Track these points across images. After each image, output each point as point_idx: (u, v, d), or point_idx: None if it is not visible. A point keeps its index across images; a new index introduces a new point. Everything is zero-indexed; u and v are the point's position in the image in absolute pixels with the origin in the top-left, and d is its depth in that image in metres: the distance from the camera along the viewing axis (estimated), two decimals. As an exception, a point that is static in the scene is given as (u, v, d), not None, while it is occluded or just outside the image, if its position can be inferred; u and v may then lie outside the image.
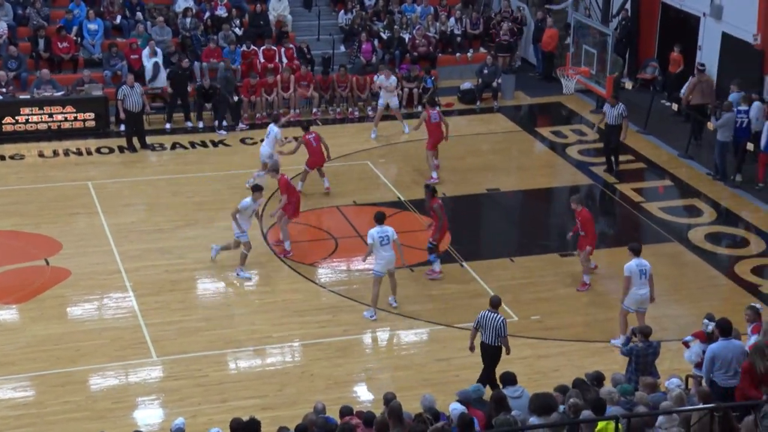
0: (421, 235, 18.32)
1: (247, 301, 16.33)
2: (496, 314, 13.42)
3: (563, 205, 20.52)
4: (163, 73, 23.25)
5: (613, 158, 21.17)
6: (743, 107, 20.39)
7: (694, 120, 22.13)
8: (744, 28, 21.81)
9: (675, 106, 22.92)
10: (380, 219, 15.83)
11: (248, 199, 16.91)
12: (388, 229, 15.71)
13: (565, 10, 26.49)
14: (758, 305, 13.20)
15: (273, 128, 20.15)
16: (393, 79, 22.87)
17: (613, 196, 20.19)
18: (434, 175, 20.28)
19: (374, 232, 15.62)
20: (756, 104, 20.48)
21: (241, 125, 23.14)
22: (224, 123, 23.01)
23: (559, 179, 21.17)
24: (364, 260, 16.56)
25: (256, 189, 17.13)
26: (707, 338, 12.56)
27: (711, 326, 12.59)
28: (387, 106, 22.78)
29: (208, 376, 14.31)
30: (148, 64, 23.62)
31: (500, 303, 13.62)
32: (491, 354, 13.49)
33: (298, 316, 15.83)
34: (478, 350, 13.68)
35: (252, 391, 13.97)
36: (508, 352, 13.55)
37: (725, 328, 11.97)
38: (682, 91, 22.73)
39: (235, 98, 23.12)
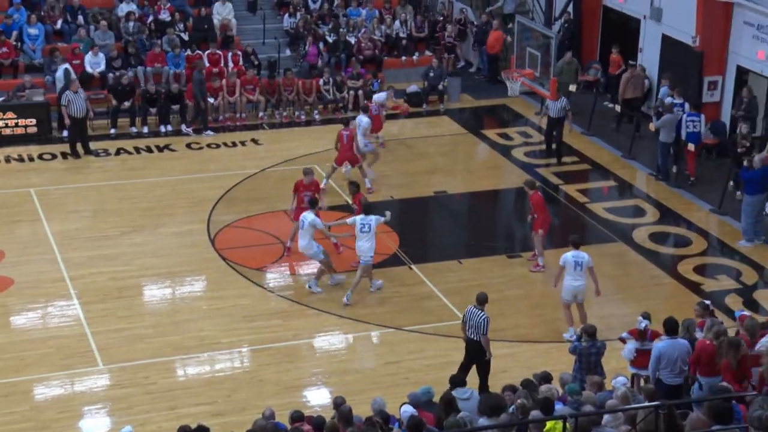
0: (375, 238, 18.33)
1: (195, 307, 16.21)
2: (479, 311, 13.55)
3: (510, 207, 20.73)
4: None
5: (554, 147, 21.71)
6: (678, 100, 20.98)
7: (628, 115, 22.76)
8: (683, 30, 22.19)
9: (618, 108, 23.25)
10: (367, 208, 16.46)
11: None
12: (372, 218, 16.28)
13: (503, 10, 26.69)
14: (707, 302, 13.40)
15: (362, 119, 20.47)
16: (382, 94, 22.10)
17: (558, 197, 20.40)
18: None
19: (358, 218, 16.25)
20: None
21: (208, 131, 22.96)
22: (188, 121, 23.04)
23: (506, 181, 21.34)
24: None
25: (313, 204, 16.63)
26: (640, 336, 12.80)
27: (644, 324, 12.83)
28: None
29: (156, 383, 14.19)
30: (59, 72, 22.87)
31: (486, 300, 13.68)
32: (475, 349, 13.56)
33: (247, 322, 15.75)
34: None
35: (201, 398, 13.88)
36: (486, 353, 13.55)
37: (671, 327, 12.18)
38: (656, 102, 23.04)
39: (206, 102, 23.06)
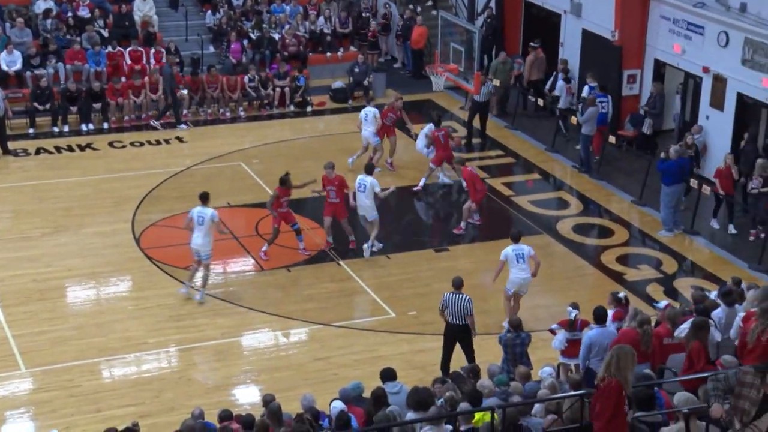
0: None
1: (121, 308, 15.99)
2: (459, 295, 13.77)
3: (438, 202, 20.85)
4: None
5: (475, 137, 22.32)
6: (593, 83, 21.69)
7: (526, 94, 23.60)
8: (603, 24, 22.58)
9: (541, 102, 23.57)
10: (369, 170, 17.72)
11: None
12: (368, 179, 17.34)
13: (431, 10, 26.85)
14: (621, 293, 13.65)
15: (370, 110, 20.72)
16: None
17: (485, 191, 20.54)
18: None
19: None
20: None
21: (182, 125, 22.80)
22: (183, 117, 23.00)
23: (432, 176, 21.40)
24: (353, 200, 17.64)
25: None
26: (570, 326, 13.00)
27: (574, 314, 13.04)
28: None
29: (80, 386, 13.96)
30: (6, 66, 22.77)
31: (462, 283, 13.96)
32: (458, 334, 13.78)
33: (174, 321, 15.59)
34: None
35: (128, 399, 13.71)
36: (473, 333, 13.83)
37: (600, 316, 12.39)
38: (548, 86, 23.44)
39: (184, 91, 23.08)
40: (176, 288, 16.39)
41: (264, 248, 17.37)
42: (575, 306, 13.22)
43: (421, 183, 20.38)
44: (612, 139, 21.29)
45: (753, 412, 8.21)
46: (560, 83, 22.91)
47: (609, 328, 12.43)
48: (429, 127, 20.67)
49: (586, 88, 22.12)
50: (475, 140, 22.77)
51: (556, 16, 24.40)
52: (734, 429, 8.28)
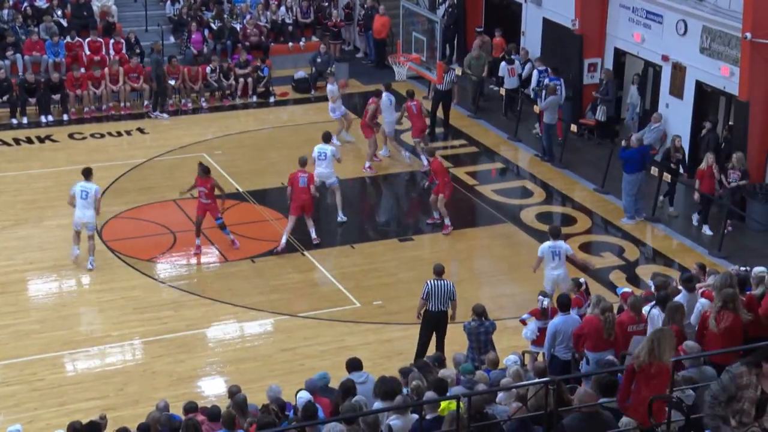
0: (261, 225, 18.28)
1: (84, 301, 15.87)
2: (443, 281, 13.81)
3: (401, 191, 20.89)
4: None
5: (437, 126, 22.54)
6: (541, 67, 22.24)
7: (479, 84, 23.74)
8: (563, 14, 22.70)
9: (502, 91, 23.65)
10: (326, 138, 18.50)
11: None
12: (329, 148, 18.20)
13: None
14: (581, 279, 13.75)
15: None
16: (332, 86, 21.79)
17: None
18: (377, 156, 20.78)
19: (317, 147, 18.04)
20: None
21: (161, 114, 22.83)
22: (166, 105, 23.04)
23: (396, 166, 21.47)
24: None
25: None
26: (542, 314, 13.07)
27: (546, 302, 13.11)
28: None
29: (44, 379, 13.85)
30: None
31: (444, 270, 14.02)
32: (437, 320, 13.84)
33: (138, 313, 15.50)
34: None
35: (92, 393, 13.62)
36: (454, 317, 13.91)
37: (564, 304, 12.50)
38: (533, 87, 23.46)
39: (171, 82, 23.10)
40: (136, 280, 16.29)
41: (197, 242, 17.25)
42: (545, 294, 13.29)
43: (407, 157, 20.92)
44: (573, 127, 21.44)
45: (753, 411, 8.17)
46: (503, 64, 23.40)
47: (573, 316, 12.55)
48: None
49: (535, 72, 22.50)
50: (438, 129, 22.82)
51: (516, 5, 24.50)
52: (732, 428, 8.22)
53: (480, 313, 13.16)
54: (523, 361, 12.52)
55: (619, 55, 22.12)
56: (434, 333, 14.03)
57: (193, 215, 18.42)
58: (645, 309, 11.90)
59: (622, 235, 18.53)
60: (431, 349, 13.86)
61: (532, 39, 23.90)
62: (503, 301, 16.02)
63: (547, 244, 15.25)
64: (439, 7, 25.89)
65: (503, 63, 23.53)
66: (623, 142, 19.08)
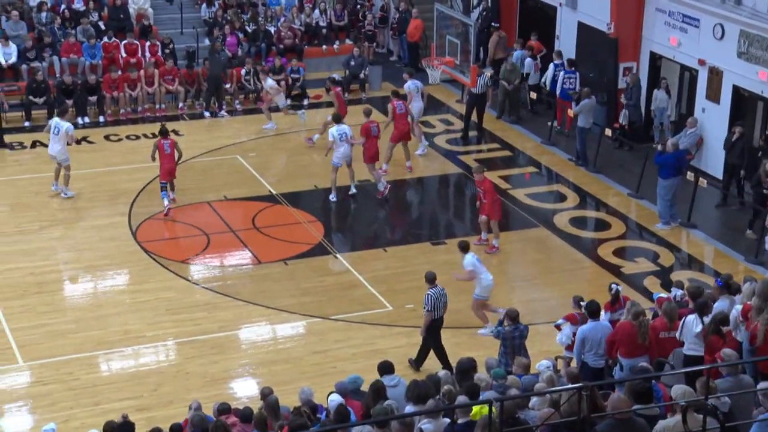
0: (294, 228, 18.34)
1: (118, 301, 15.99)
2: (439, 287, 13.99)
3: (433, 195, 20.87)
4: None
5: (469, 130, 22.53)
6: (570, 70, 22.53)
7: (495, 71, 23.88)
8: (598, 17, 22.58)
9: (534, 95, 23.61)
10: (338, 119, 19.20)
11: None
12: (346, 128, 18.90)
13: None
14: (619, 286, 13.65)
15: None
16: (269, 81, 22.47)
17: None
18: (385, 166, 20.50)
19: (333, 130, 18.69)
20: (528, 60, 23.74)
21: (223, 112, 23.31)
22: (223, 105, 23.44)
23: (428, 169, 21.46)
24: (326, 155, 19.44)
25: None
26: (579, 320, 12.96)
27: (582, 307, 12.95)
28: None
29: (79, 379, 13.97)
30: (2, 59, 22.82)
31: (435, 276, 14.13)
32: (439, 327, 14.03)
33: (172, 315, 15.60)
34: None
35: (126, 393, 13.72)
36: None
37: (593, 310, 12.41)
38: (544, 78, 23.46)
39: (227, 85, 23.56)
40: (170, 281, 16.39)
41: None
42: (582, 299, 13.18)
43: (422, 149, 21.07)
44: (608, 131, 21.33)
45: None
46: (528, 60, 23.70)
47: (603, 322, 12.45)
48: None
49: (551, 66, 22.84)
50: (472, 133, 22.78)
51: (551, 9, 24.40)
52: None
53: (514, 317, 13.09)
54: (556, 367, 12.45)
55: (655, 59, 21.96)
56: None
57: (228, 217, 18.60)
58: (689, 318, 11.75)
59: (657, 240, 18.38)
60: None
61: (566, 42, 23.79)
62: (536, 306, 15.95)
63: (470, 255, 15.19)
64: (473, 11, 25.85)
65: (528, 59, 23.77)
66: (659, 147, 18.94)
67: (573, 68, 22.52)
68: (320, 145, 21.53)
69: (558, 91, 22.65)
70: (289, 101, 23.23)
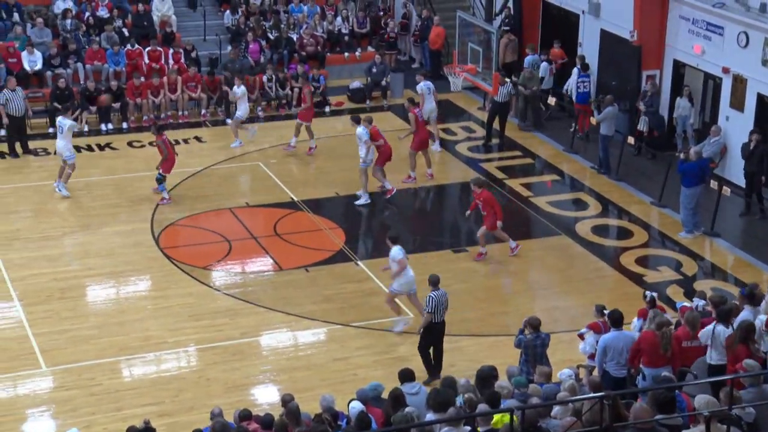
0: (315, 235, 18.37)
1: (140, 307, 16.05)
2: (441, 290, 14.05)
3: (455, 202, 20.86)
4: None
5: (492, 137, 22.50)
6: (584, 74, 22.68)
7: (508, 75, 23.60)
8: (621, 25, 22.51)
9: (552, 101, 23.58)
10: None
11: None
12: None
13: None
14: (653, 292, 13.54)
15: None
16: (241, 88, 22.21)
17: (503, 191, 20.56)
18: (412, 174, 20.57)
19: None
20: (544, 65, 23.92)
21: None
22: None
23: (450, 176, 21.46)
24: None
25: None
26: (602, 329, 12.89)
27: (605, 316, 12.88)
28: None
29: (101, 384, 14.03)
30: (28, 66, 23.07)
31: (439, 280, 14.21)
32: (440, 331, 14.10)
33: (194, 321, 15.65)
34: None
35: (147, 398, 13.76)
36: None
37: (616, 319, 12.34)
38: (567, 86, 23.43)
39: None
40: (192, 287, 16.45)
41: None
42: (604, 308, 13.10)
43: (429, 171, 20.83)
44: (630, 139, 21.25)
45: None
46: (543, 65, 23.80)
47: (625, 332, 12.37)
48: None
49: (574, 73, 22.83)
50: (494, 140, 22.75)
51: (574, 16, 24.35)
52: None
53: (536, 325, 13.04)
54: (578, 376, 12.39)
55: (679, 67, 21.86)
56: (434, 345, 14.12)
57: (249, 224, 18.68)
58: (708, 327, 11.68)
59: (680, 249, 18.28)
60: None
61: (589, 50, 23.72)
62: (557, 314, 15.89)
63: (400, 247, 15.32)
64: (495, 18, 25.84)
65: (544, 63, 23.84)
66: (681, 155, 18.84)
67: (587, 72, 22.60)
68: (345, 152, 21.55)
69: (574, 95, 22.82)
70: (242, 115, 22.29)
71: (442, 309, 14.09)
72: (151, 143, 22.24)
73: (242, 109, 22.17)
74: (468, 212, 18.00)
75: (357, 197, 19.56)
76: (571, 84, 23.11)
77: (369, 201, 19.52)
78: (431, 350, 14.24)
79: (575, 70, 23.02)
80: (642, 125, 21.74)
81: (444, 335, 14.27)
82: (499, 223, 17.44)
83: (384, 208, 19.83)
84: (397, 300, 15.56)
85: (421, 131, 20.65)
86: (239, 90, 22.12)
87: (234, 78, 22.88)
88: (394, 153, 20.02)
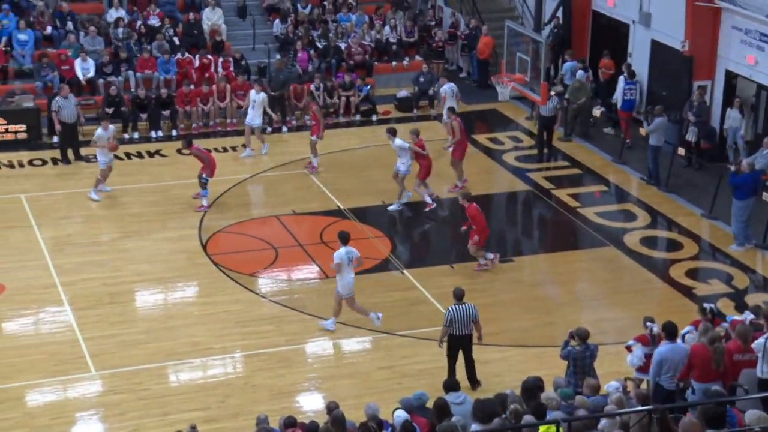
0: (362, 243, 18.37)
1: (188, 313, 16.19)
2: (464, 305, 13.81)
3: (501, 211, 20.77)
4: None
5: (545, 148, 22.30)
6: (630, 81, 22.66)
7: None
8: (672, 35, 22.29)
9: (598, 112, 23.40)
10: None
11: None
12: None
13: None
14: (712, 304, 13.35)
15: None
16: (261, 95, 22.14)
17: (550, 202, 20.45)
18: (458, 183, 20.59)
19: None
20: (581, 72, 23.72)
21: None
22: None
23: (497, 186, 21.39)
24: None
25: None
26: (651, 341, 12.75)
27: (656, 328, 12.75)
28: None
29: (149, 389, 14.16)
30: (81, 74, 23.46)
31: (464, 293, 14.03)
32: (463, 344, 13.90)
33: (240, 327, 15.74)
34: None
35: (194, 404, 13.85)
36: (480, 338, 13.95)
37: (671, 331, 12.18)
38: (615, 96, 23.26)
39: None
40: (238, 294, 16.56)
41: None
42: (653, 320, 12.96)
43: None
44: (681, 150, 21.02)
45: None
46: (580, 72, 23.76)
47: (681, 344, 12.21)
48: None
49: (621, 79, 22.78)
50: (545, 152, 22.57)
51: (624, 26, 24.16)
52: None
53: (585, 337, 12.91)
54: (625, 388, 12.25)
55: (731, 78, 21.58)
56: (460, 355, 13.98)
57: (296, 231, 18.76)
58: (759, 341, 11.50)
59: (731, 262, 18.01)
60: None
61: (639, 60, 23.53)
62: (604, 326, 15.73)
63: (343, 249, 15.21)
64: (545, 28, 25.72)
65: (581, 71, 23.77)
66: (733, 168, 18.59)
67: (633, 79, 22.49)
68: (392, 161, 21.59)
69: (620, 103, 22.71)
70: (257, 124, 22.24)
71: (464, 323, 13.79)
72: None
73: (259, 116, 22.05)
74: (462, 228, 17.48)
75: (396, 203, 19.54)
76: (618, 94, 22.92)
77: (401, 208, 19.52)
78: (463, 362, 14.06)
79: (621, 78, 22.85)
80: (691, 136, 21.49)
81: (470, 348, 14.00)
82: (476, 237, 17.13)
83: (429, 217, 19.77)
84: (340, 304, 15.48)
85: (465, 140, 20.62)
86: (258, 96, 22.06)
87: (285, 85, 23.17)
88: (435, 162, 19.98)
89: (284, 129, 23.65)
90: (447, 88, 22.59)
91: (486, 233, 17.39)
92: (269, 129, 23.27)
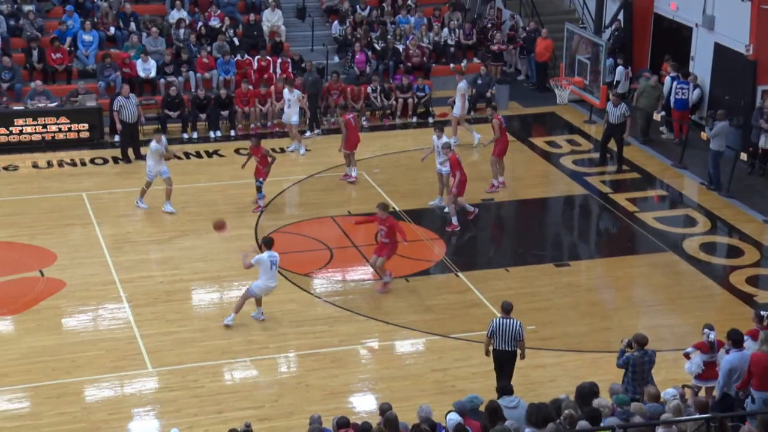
0: (417, 245, 18.36)
1: (243, 312, 16.25)
2: (510, 319, 13.43)
3: (558, 215, 20.60)
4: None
5: (608, 154, 21.98)
6: (683, 81, 22.58)
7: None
8: (736, 38, 21.91)
9: (658, 116, 23.06)
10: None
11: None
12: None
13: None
14: (764, 312, 13.11)
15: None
16: (295, 93, 22.49)
17: (608, 206, 20.23)
18: (494, 182, 20.60)
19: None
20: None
21: (312, 133, 23.56)
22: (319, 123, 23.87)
23: (554, 189, 21.21)
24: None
25: None
26: (710, 348, 12.53)
27: (713, 335, 12.54)
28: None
29: (204, 386, 14.29)
30: (142, 74, 23.80)
31: (512, 308, 13.59)
32: (502, 360, 13.49)
33: (294, 327, 15.81)
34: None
35: (248, 402, 13.95)
36: (523, 357, 13.55)
37: (737, 339, 11.95)
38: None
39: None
40: (293, 294, 16.64)
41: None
42: (711, 327, 12.74)
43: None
44: (743, 155, 20.64)
45: None
46: (620, 69, 23.79)
47: (746, 353, 11.97)
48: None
49: (668, 79, 22.63)
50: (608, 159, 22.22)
51: (687, 30, 23.82)
52: None
53: (644, 343, 12.71)
54: (683, 396, 12.06)
55: (795, 82, 21.18)
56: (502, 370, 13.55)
57: (351, 232, 18.78)
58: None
59: (794, 269, 17.67)
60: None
61: (702, 64, 23.18)
62: (662, 332, 15.51)
63: (266, 253, 15.37)
64: (605, 30, 25.46)
65: (620, 68, 23.63)
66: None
67: (686, 79, 22.26)
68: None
69: (672, 102, 22.51)
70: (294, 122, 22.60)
71: (505, 339, 13.35)
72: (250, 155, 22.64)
73: (296, 114, 22.37)
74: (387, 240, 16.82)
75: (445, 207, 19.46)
76: (667, 91, 22.64)
77: (443, 204, 19.53)
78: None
79: (668, 78, 22.49)
80: (764, 142, 20.97)
81: (512, 365, 13.49)
82: (384, 257, 16.71)
83: (486, 219, 19.67)
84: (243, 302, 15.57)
85: (505, 138, 20.46)
86: (292, 95, 22.27)
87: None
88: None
89: (317, 131, 23.51)
90: (464, 85, 22.73)
91: (395, 249, 16.74)
92: (318, 131, 23.30)
